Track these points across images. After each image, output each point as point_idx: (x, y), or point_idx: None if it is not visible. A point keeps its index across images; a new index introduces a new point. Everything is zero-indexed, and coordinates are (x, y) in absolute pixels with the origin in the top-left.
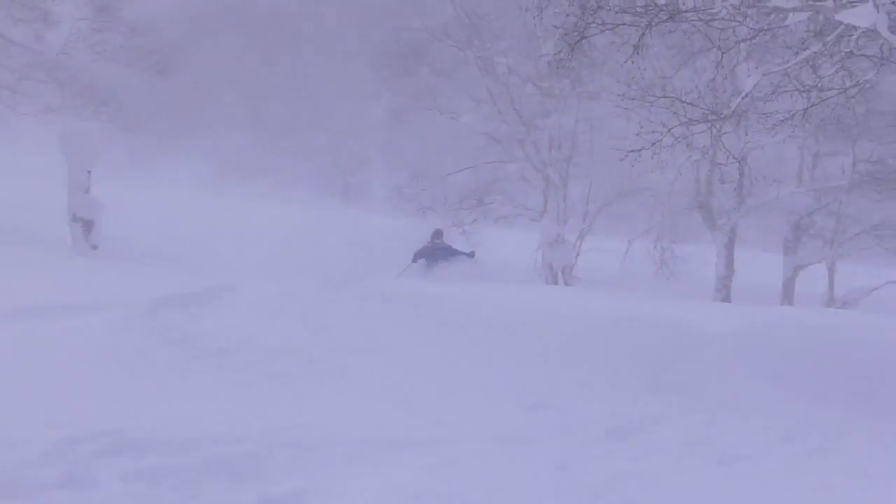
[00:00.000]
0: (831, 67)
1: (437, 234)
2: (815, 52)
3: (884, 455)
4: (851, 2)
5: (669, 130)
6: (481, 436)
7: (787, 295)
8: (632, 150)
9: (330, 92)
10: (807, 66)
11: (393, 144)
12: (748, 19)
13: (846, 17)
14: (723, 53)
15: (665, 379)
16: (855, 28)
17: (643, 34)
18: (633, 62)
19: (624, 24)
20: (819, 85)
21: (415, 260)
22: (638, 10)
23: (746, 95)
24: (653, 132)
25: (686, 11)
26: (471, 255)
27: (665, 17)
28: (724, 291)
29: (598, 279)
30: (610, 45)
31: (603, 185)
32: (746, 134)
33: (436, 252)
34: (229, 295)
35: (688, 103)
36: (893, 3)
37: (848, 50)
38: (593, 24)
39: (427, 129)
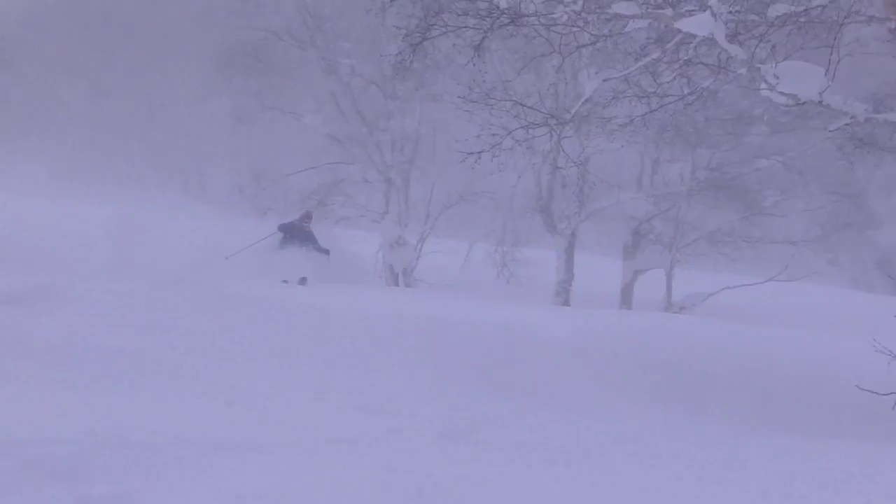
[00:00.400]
0: (670, 74)
1: (307, 216)
2: (654, 59)
3: (713, 458)
4: (690, 10)
5: (510, 133)
6: (313, 437)
7: (626, 299)
8: (472, 153)
9: (171, 89)
10: (646, 72)
11: (234, 144)
12: (589, 25)
13: (685, 25)
14: (563, 58)
15: (501, 381)
16: (693, 36)
17: (484, 37)
18: (474, 64)
19: (466, 27)
20: (658, 91)
21: (279, 230)
22: (480, 13)
23: (587, 100)
24: (493, 135)
25: (528, 16)
26: (326, 252)
27: (507, 21)
28: (563, 295)
29: (439, 281)
30: (453, 47)
31: (445, 188)
32: (587, 138)
33: (298, 234)
34: (58, 293)
35: (529, 107)
36: (731, 12)
37: (687, 57)
38: (435, 26)
39: (269, 129)
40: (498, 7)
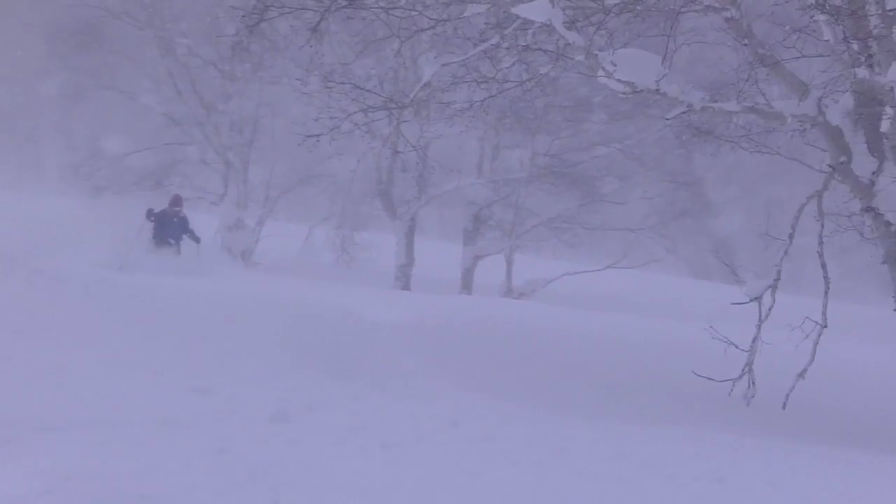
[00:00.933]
0: (510, 60)
1: (177, 200)
2: (493, 45)
3: (540, 444)
4: None
5: (349, 116)
6: (143, 418)
7: (466, 285)
8: (310, 136)
9: (2, 66)
10: (486, 57)
11: (69, 123)
12: (428, 9)
13: (523, 10)
14: (402, 42)
15: (336, 366)
16: (532, 22)
17: (322, 18)
18: (311, 46)
19: (304, 9)
20: (498, 77)
21: (149, 218)
22: None
23: (426, 84)
24: (332, 118)
25: None
26: (198, 240)
27: (345, 3)
28: (403, 280)
29: (278, 265)
30: (290, 28)
31: (284, 171)
32: (427, 123)
33: (171, 222)
34: None
35: (368, 91)
36: None
37: (525, 44)
38: (273, 7)
39: (105, 109)
40: None
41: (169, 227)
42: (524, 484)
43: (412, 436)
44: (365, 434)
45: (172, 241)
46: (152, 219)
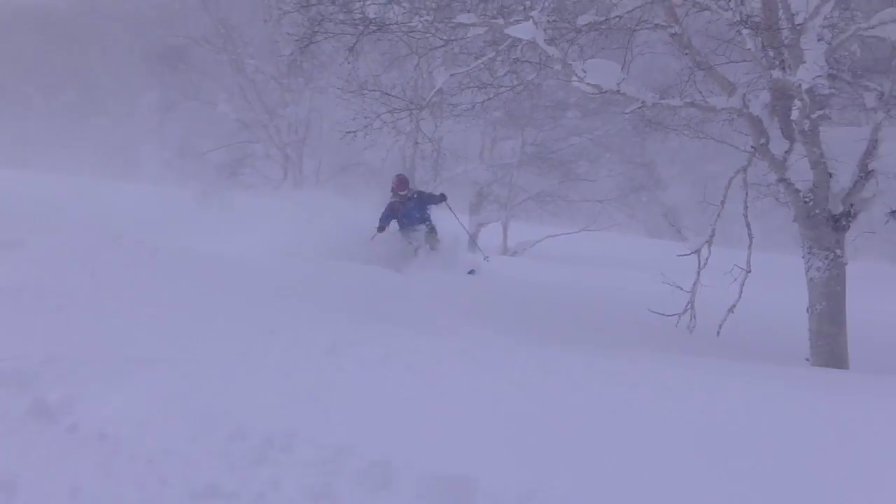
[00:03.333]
0: (503, 70)
1: (402, 182)
2: (490, 58)
3: (538, 367)
4: (517, 20)
5: (378, 116)
6: (224, 354)
7: (472, 247)
8: (348, 132)
9: (109, 84)
10: (485, 69)
11: (162, 127)
12: (439, 32)
13: (513, 31)
14: (420, 58)
15: (374, 311)
16: (520, 40)
17: (357, 41)
18: (349, 63)
19: (343, 34)
20: (494, 83)
21: (381, 226)
22: (354, 22)
23: (438, 91)
24: (366, 118)
25: (391, 24)
26: (442, 197)
27: (375, 28)
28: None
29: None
30: (333, 49)
31: (330, 161)
32: (440, 121)
33: (407, 209)
34: (23, 246)
35: (393, 96)
36: (549, 21)
37: (515, 57)
38: (319, 33)
39: (191, 116)
40: (368, 17)
41: (406, 217)
42: (527, 395)
43: (434, 362)
44: (396, 361)
45: (419, 227)
46: (385, 223)
